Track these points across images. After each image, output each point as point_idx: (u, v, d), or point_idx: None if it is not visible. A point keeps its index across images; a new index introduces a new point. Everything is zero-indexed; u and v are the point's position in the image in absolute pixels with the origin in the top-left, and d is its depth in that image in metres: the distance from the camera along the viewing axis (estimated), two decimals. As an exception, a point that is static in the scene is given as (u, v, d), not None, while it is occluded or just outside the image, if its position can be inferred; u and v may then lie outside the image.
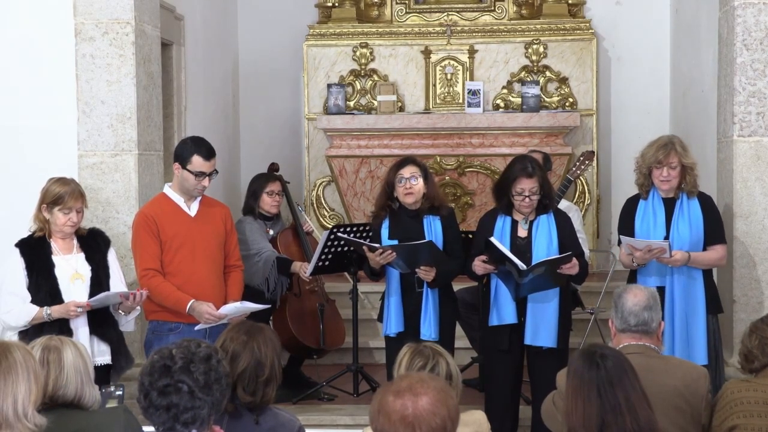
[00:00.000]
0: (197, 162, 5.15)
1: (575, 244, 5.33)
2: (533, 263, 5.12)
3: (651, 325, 3.88)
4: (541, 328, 5.22)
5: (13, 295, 4.91)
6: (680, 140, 5.41)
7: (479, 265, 5.26)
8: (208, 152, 5.19)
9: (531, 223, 5.31)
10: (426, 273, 5.40)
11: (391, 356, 5.52)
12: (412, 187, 5.45)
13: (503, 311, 5.27)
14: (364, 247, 5.53)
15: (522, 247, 5.23)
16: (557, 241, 5.25)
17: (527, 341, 5.25)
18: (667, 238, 5.26)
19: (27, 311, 4.86)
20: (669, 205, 5.33)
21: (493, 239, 5.18)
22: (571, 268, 5.15)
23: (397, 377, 3.03)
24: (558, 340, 5.22)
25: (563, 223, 5.35)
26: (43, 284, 4.92)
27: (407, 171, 5.47)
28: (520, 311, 5.26)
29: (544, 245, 5.23)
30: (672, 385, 3.75)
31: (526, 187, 5.21)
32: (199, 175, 5.15)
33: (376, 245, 5.48)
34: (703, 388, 3.83)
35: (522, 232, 5.31)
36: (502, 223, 5.33)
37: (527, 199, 5.22)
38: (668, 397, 3.73)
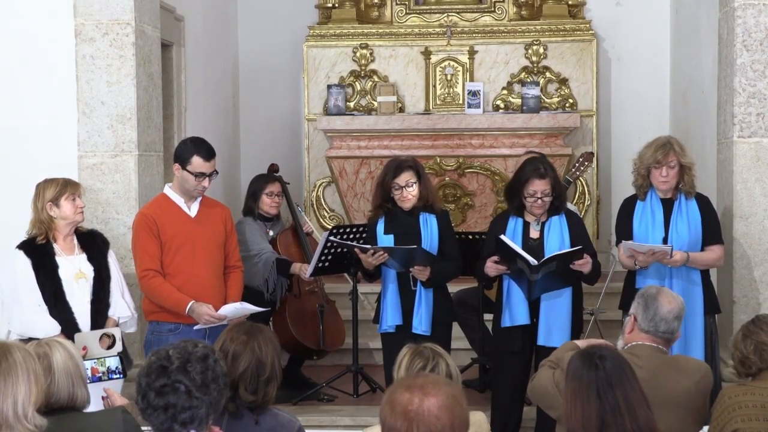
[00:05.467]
0: (197, 163, 5.15)
1: (588, 245, 5.32)
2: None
3: (674, 335, 3.93)
4: (555, 329, 5.22)
5: (34, 305, 4.93)
6: (677, 140, 5.43)
7: (491, 266, 5.25)
8: (208, 153, 5.19)
9: (543, 224, 5.31)
10: (420, 272, 5.40)
11: (387, 354, 5.52)
12: (409, 193, 5.45)
13: (516, 312, 5.27)
14: (356, 249, 5.54)
15: (534, 248, 5.23)
16: (569, 242, 5.25)
17: (540, 342, 5.25)
18: (666, 238, 5.27)
19: (49, 327, 4.88)
20: (667, 205, 5.34)
21: (503, 237, 5.18)
22: (584, 264, 5.15)
23: (414, 374, 3.05)
24: (571, 340, 5.21)
25: (575, 224, 5.36)
26: (48, 285, 4.95)
27: (402, 179, 5.44)
28: (533, 312, 5.25)
29: (556, 246, 5.23)
30: (685, 385, 3.78)
31: (538, 188, 5.21)
32: (199, 175, 5.16)
33: (367, 246, 5.48)
34: (710, 384, 3.89)
35: (534, 233, 5.32)
36: (514, 225, 5.33)
37: (539, 201, 5.21)
38: (679, 397, 3.75)
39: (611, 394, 3.10)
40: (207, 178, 5.19)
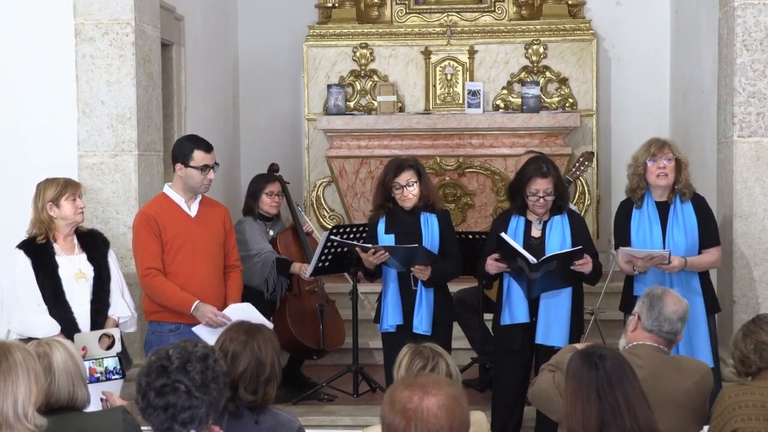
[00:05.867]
0: (199, 156, 5.17)
1: (589, 245, 5.32)
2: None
3: (677, 336, 3.94)
4: (553, 328, 5.22)
5: (34, 304, 4.93)
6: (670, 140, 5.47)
7: (492, 263, 5.25)
8: (207, 146, 5.24)
9: (545, 223, 5.31)
10: (421, 271, 5.40)
11: (388, 353, 5.52)
12: (409, 193, 5.45)
13: (515, 310, 5.26)
14: (357, 248, 5.54)
15: (535, 247, 5.22)
16: (571, 242, 5.25)
17: (538, 340, 5.24)
18: (664, 246, 5.25)
19: (49, 326, 4.87)
20: (663, 211, 5.30)
21: (503, 234, 5.18)
22: (584, 264, 5.14)
23: (417, 373, 3.04)
24: (570, 340, 5.21)
25: (577, 224, 5.36)
26: (47, 284, 4.94)
27: (403, 179, 5.45)
28: (532, 310, 5.25)
29: (558, 245, 5.22)
30: (685, 385, 3.80)
31: (540, 187, 5.21)
32: (204, 168, 5.18)
33: (368, 246, 5.48)
34: (710, 385, 3.90)
35: (536, 232, 5.32)
36: (516, 224, 5.33)
37: (542, 200, 5.22)
38: (678, 397, 3.77)
39: (611, 393, 3.10)
40: (211, 170, 5.21)
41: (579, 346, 4.15)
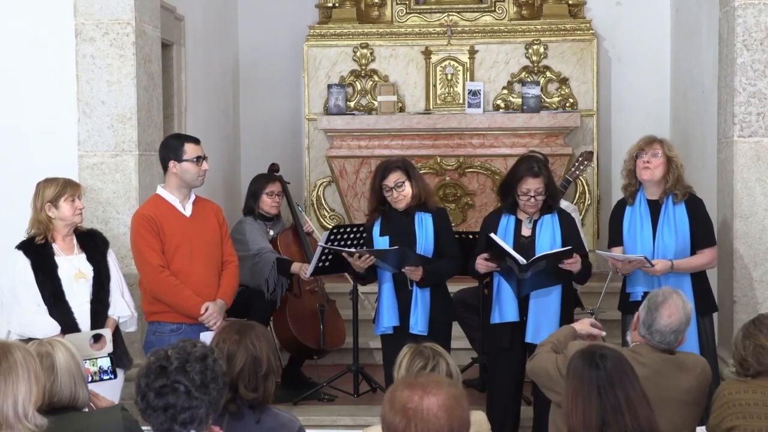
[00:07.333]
0: (190, 148, 5.22)
1: (579, 245, 5.32)
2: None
3: (673, 344, 3.92)
4: (543, 327, 5.21)
5: (34, 305, 4.92)
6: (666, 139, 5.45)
7: (481, 263, 5.26)
8: (194, 139, 5.32)
9: (535, 222, 5.31)
10: (412, 272, 5.39)
11: (387, 355, 5.51)
12: (399, 194, 5.44)
13: (505, 309, 5.27)
14: (344, 253, 5.53)
15: (525, 246, 5.23)
16: (561, 241, 5.25)
17: (528, 339, 5.24)
18: (653, 246, 5.22)
19: (49, 327, 4.86)
20: (655, 211, 5.25)
21: (493, 235, 5.19)
22: (573, 264, 5.14)
23: (417, 373, 3.05)
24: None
25: (567, 224, 5.36)
26: (47, 285, 4.94)
27: (391, 180, 5.43)
28: (522, 309, 5.25)
29: (548, 244, 5.22)
30: (687, 381, 3.82)
31: (532, 187, 5.22)
32: (198, 160, 5.21)
33: (353, 250, 5.47)
34: (708, 376, 3.93)
35: (526, 231, 5.32)
36: (506, 222, 5.34)
37: (532, 199, 5.22)
38: (680, 393, 3.79)
39: (612, 393, 3.12)
40: (204, 161, 5.25)
41: (576, 326, 4.18)
